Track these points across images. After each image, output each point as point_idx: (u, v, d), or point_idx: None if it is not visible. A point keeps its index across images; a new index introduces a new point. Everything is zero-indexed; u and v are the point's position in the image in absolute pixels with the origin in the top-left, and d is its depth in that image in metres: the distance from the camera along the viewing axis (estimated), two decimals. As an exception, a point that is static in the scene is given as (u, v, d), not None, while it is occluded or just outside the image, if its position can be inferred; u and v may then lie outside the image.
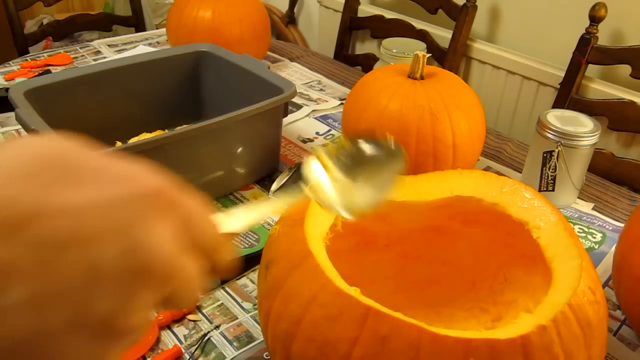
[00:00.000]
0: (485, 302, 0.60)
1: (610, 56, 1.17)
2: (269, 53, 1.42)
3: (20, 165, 0.22)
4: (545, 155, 0.82)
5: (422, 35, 1.50)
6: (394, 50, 1.11)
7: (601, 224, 0.83)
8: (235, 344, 0.61)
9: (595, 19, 1.16)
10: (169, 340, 0.62)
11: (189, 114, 0.83)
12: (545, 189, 0.84)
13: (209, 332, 0.62)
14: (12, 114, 0.77)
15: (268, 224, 0.80)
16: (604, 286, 0.72)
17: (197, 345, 0.61)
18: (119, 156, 0.25)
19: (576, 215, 0.85)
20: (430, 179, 0.60)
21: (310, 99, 1.19)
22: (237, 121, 0.78)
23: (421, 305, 0.61)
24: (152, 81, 0.94)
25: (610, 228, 0.82)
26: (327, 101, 1.19)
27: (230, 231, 0.31)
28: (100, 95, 0.86)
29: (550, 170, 0.82)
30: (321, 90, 1.25)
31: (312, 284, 0.45)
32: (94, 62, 1.28)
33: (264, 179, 0.90)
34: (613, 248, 0.76)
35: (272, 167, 0.92)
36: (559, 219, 0.52)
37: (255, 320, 0.64)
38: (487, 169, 0.97)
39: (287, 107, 0.88)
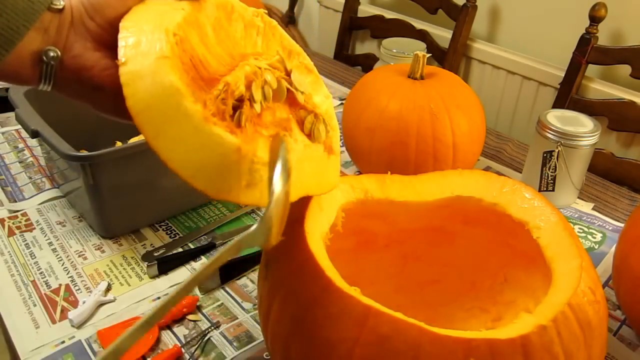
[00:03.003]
0: (485, 302, 0.60)
1: (610, 56, 1.17)
2: (269, 53, 1.42)
3: None
4: (545, 155, 0.82)
5: (422, 35, 1.50)
6: (394, 50, 1.11)
7: (601, 224, 0.83)
8: (235, 344, 0.61)
9: (595, 19, 1.16)
10: (169, 340, 0.62)
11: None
12: (545, 189, 0.84)
13: (209, 332, 0.62)
14: (12, 114, 0.78)
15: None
16: (604, 286, 0.72)
17: (197, 345, 0.61)
18: None
19: (576, 215, 0.85)
20: (430, 179, 0.60)
21: (310, 99, 1.19)
22: (237, 121, 0.78)
23: (421, 305, 0.61)
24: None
25: (610, 228, 0.82)
26: (327, 101, 1.19)
27: None
28: (100, 95, 0.86)
29: (550, 170, 0.82)
30: (321, 90, 1.25)
31: (312, 284, 0.45)
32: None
33: (264, 179, 0.90)
34: (613, 248, 0.76)
35: (272, 167, 0.91)
36: (559, 219, 0.52)
37: (255, 320, 0.64)
38: (487, 169, 0.97)
39: (287, 107, 0.87)
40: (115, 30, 0.42)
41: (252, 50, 0.50)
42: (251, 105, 0.43)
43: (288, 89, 0.47)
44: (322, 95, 0.54)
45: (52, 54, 0.41)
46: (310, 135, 0.49)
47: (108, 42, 0.42)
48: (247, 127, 0.42)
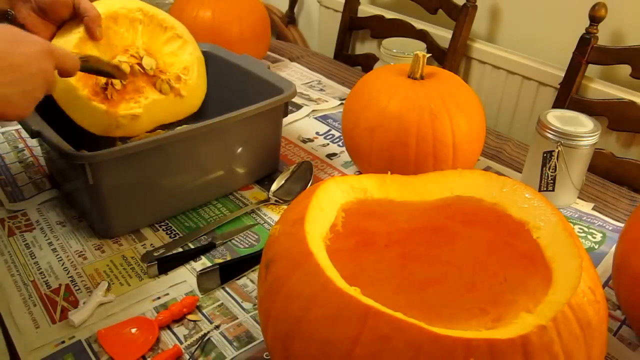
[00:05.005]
0: (485, 302, 0.59)
1: (610, 56, 1.17)
2: (269, 53, 1.42)
3: None
4: (545, 155, 0.82)
5: (422, 35, 1.50)
6: (394, 50, 1.11)
7: (601, 224, 0.83)
8: (235, 344, 0.61)
9: (595, 19, 1.16)
10: (169, 340, 0.62)
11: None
12: (545, 189, 0.84)
13: (209, 332, 0.62)
14: (12, 114, 0.77)
15: (268, 224, 0.80)
16: (604, 286, 0.72)
17: (197, 345, 0.61)
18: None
19: (576, 215, 0.85)
20: (430, 179, 0.60)
21: (310, 99, 1.19)
22: (237, 121, 0.78)
23: (421, 305, 0.61)
24: (152, 81, 0.95)
25: (610, 228, 0.82)
26: (327, 101, 1.19)
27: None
28: (100, 95, 0.87)
29: (550, 170, 0.82)
30: (321, 90, 1.25)
31: (312, 284, 0.45)
32: (94, 62, 1.28)
33: (264, 179, 0.90)
34: (613, 248, 0.76)
35: (272, 167, 0.92)
36: (559, 219, 0.52)
37: (255, 320, 0.64)
38: (487, 169, 0.97)
39: (287, 107, 0.88)
40: (43, 7, 0.72)
41: (133, 38, 0.80)
42: (113, 85, 0.76)
43: (142, 69, 0.79)
44: (188, 53, 0.85)
45: (10, 12, 0.71)
46: (160, 91, 0.81)
47: (39, 14, 0.72)
48: (113, 97, 0.76)
